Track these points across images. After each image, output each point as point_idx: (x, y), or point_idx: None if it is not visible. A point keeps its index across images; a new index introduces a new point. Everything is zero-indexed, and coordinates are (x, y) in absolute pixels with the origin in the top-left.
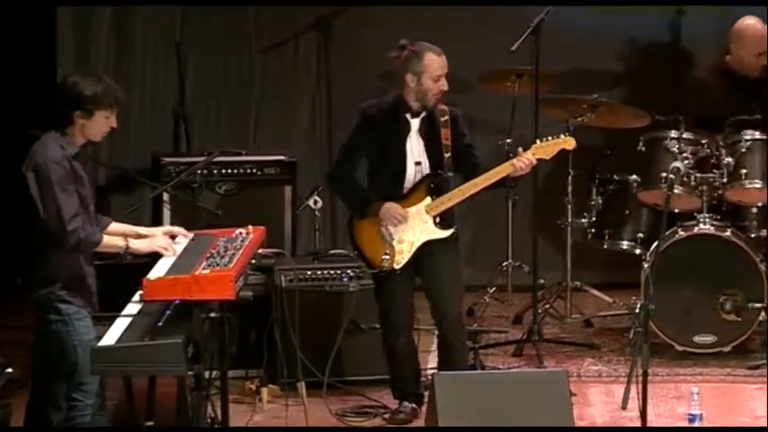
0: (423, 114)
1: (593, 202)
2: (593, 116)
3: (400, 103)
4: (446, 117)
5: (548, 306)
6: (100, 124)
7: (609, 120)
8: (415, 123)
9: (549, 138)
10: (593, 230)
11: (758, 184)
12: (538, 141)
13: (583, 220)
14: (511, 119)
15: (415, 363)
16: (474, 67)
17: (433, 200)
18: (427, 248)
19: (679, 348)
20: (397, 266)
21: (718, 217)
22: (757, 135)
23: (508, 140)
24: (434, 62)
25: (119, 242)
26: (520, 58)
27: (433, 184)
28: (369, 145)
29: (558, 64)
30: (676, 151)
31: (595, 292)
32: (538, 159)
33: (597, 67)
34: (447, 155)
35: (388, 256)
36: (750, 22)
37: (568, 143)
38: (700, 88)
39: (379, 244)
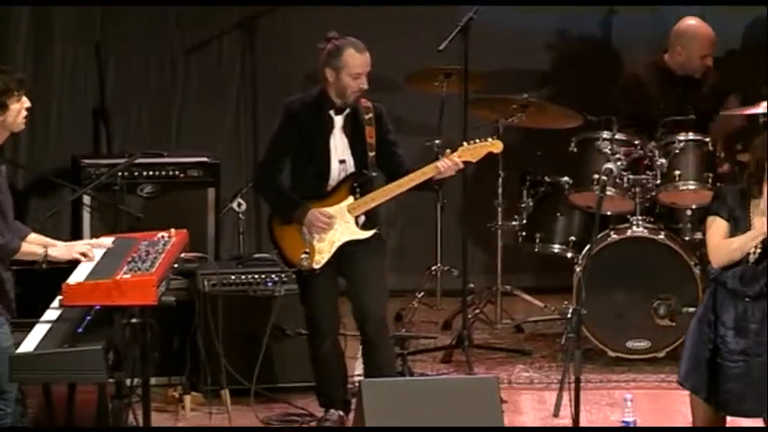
0: (347, 111)
1: (523, 205)
2: (523, 116)
3: (323, 98)
4: (371, 114)
5: (478, 311)
6: (16, 111)
7: (540, 120)
8: (338, 120)
9: (477, 140)
10: (523, 233)
11: (692, 185)
12: (465, 144)
13: (513, 223)
14: (439, 119)
15: (342, 368)
16: (401, 66)
17: (355, 199)
18: (351, 249)
19: (612, 354)
20: (316, 266)
21: (652, 219)
22: (691, 136)
23: (437, 141)
24: (355, 59)
25: (37, 249)
26: (448, 58)
27: (357, 184)
28: (293, 142)
29: (487, 63)
30: (609, 152)
31: (526, 296)
32: (464, 162)
33: (527, 66)
34: (371, 153)
35: (307, 256)
36: (693, 22)
37: (496, 146)
38: (633, 88)
39: (298, 242)
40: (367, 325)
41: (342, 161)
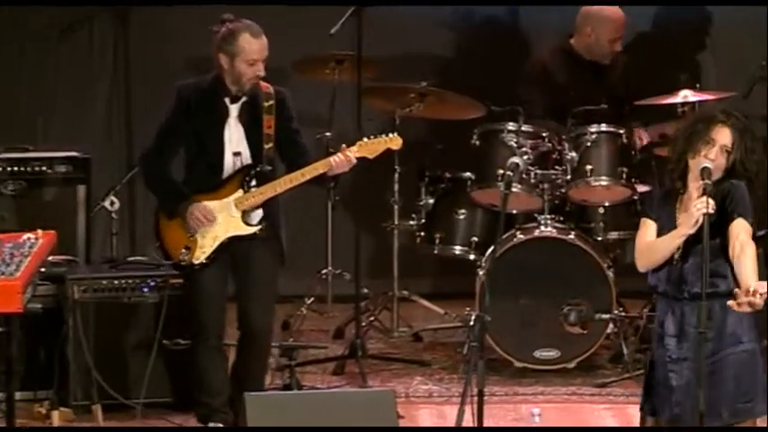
0: (243, 99)
1: (422, 203)
2: (421, 106)
3: (218, 85)
4: (271, 101)
5: (372, 318)
6: None
7: (439, 111)
8: (234, 109)
9: (375, 135)
10: (422, 234)
11: (604, 181)
12: (365, 139)
13: (411, 223)
14: (330, 110)
15: (224, 376)
16: (289, 52)
17: (244, 193)
18: (244, 248)
19: (518, 365)
20: (195, 261)
21: (561, 218)
22: (603, 127)
23: (327, 134)
24: (251, 44)
25: None
26: (341, 43)
27: (248, 177)
28: (184, 129)
29: (383, 49)
30: (514, 145)
31: (425, 302)
32: (359, 158)
33: (427, 52)
34: (268, 145)
35: (187, 251)
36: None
37: (395, 142)
38: (540, 76)
39: (181, 237)
40: (246, 332)
41: (236, 153)
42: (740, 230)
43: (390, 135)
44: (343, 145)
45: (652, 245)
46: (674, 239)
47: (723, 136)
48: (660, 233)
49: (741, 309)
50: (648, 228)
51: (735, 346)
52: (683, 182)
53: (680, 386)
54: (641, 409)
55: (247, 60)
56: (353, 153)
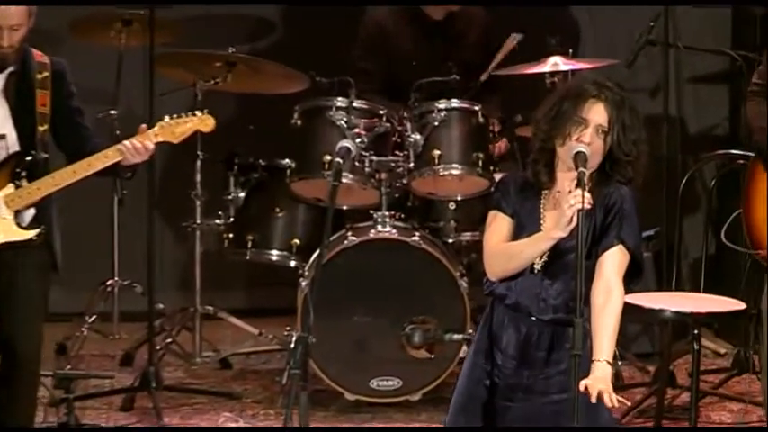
0: (9, 69)
1: (230, 197)
2: (229, 78)
3: None
4: (46, 73)
5: (169, 341)
6: None
7: (252, 83)
8: None
9: (181, 115)
10: (231, 236)
11: (456, 170)
12: (167, 118)
13: (217, 222)
14: (116, 83)
15: (30, 410)
16: (65, 11)
17: (17, 188)
18: (8, 255)
19: (350, 397)
20: None
21: (403, 215)
22: (455, 104)
23: (112, 112)
24: None
25: None
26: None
27: (19, 168)
28: None
29: (180, 7)
30: (344, 126)
31: (235, 320)
32: (159, 143)
33: (235, 11)
34: (42, 127)
35: None
36: None
37: (206, 123)
38: (376, 40)
39: None
40: (9, 358)
41: (1, 136)
42: (614, 266)
43: (199, 114)
44: (143, 125)
45: (509, 248)
46: (540, 244)
47: (597, 114)
48: (517, 234)
49: None
50: (500, 224)
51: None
52: (549, 174)
53: (516, 418)
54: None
55: None
56: (153, 137)
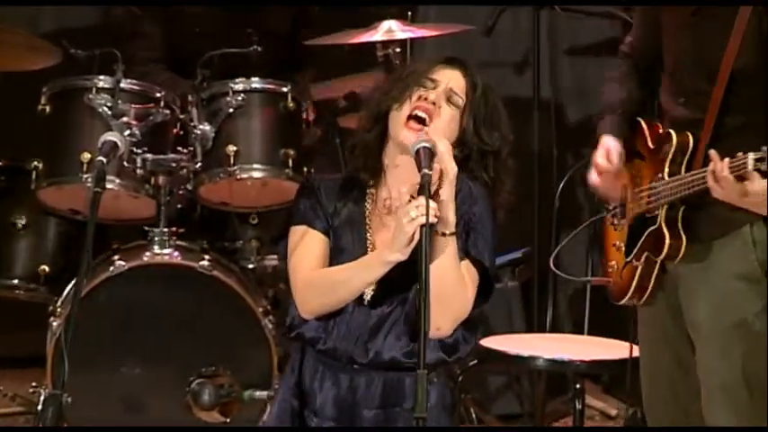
0: None
1: None
2: None
3: None
4: None
5: None
6: None
7: None
8: None
9: None
10: None
11: (258, 171)
12: None
13: None
14: None
15: None
16: None
17: None
18: None
19: None
20: None
21: (188, 233)
22: (256, 83)
23: None
24: None
25: None
26: None
27: None
28: None
29: None
30: (109, 114)
31: None
32: None
33: None
34: None
35: None
36: None
37: None
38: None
39: None
40: None
41: None
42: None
43: None
44: None
45: (329, 276)
46: (373, 269)
47: (451, 78)
48: (337, 256)
49: None
50: (311, 243)
51: None
52: (376, 165)
53: None
54: None
55: None
56: None
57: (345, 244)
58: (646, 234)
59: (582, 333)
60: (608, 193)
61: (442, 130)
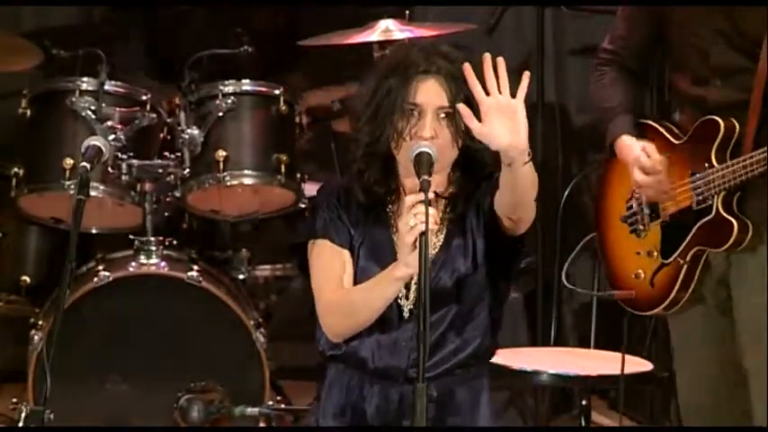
0: None
1: None
2: None
3: None
4: None
5: None
6: None
7: None
8: None
9: None
10: None
11: (249, 178)
12: None
13: None
14: None
15: None
16: None
17: None
18: None
19: None
20: None
21: (176, 242)
22: (247, 86)
23: None
24: None
25: None
26: None
27: None
28: None
29: None
30: (93, 117)
31: None
32: None
33: None
34: None
35: None
36: None
37: None
38: None
39: None
40: None
41: None
42: None
43: None
44: None
45: (348, 297)
46: (385, 288)
47: (431, 94)
48: (367, 270)
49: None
50: (332, 261)
51: None
52: (388, 183)
53: None
54: None
55: None
56: None
57: (373, 255)
58: (696, 227)
59: (588, 347)
60: (660, 188)
61: (451, 144)
